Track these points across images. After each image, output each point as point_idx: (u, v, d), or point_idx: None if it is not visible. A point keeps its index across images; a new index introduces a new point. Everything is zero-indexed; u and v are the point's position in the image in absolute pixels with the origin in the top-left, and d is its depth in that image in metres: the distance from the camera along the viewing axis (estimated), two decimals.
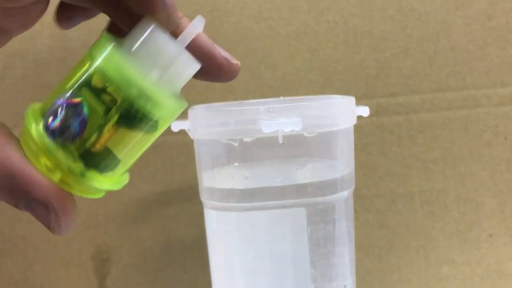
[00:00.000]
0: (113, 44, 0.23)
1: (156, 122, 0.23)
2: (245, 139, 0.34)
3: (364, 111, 0.37)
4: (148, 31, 0.24)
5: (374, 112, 0.46)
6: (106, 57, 0.23)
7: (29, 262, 0.47)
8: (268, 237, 0.36)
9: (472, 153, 0.47)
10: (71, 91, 0.23)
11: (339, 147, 0.36)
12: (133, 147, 0.24)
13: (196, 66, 0.24)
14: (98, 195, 0.24)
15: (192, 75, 0.25)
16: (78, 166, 0.23)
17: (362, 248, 0.47)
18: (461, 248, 0.48)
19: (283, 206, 0.35)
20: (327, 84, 0.47)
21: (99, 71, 0.23)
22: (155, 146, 0.46)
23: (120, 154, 0.24)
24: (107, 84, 0.22)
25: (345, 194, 0.36)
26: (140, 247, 0.47)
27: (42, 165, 0.23)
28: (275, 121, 0.33)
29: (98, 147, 0.23)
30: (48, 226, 0.23)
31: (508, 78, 0.47)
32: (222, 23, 0.46)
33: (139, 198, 0.47)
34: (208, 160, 0.36)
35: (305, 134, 0.34)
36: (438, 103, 0.47)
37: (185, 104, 0.25)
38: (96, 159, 0.23)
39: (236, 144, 0.34)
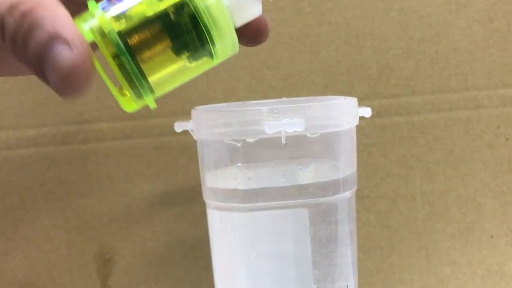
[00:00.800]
0: None
1: (200, 51, 0.23)
2: (248, 140, 0.34)
3: (366, 112, 0.37)
4: None
5: (376, 113, 0.47)
6: None
7: (32, 262, 0.47)
8: (271, 238, 0.36)
9: (473, 154, 0.47)
10: None
11: (342, 148, 0.36)
12: (170, 76, 0.24)
13: (259, 10, 0.25)
14: (114, 89, 0.23)
15: (251, 17, 0.25)
16: (118, 41, 0.22)
17: (364, 249, 0.47)
18: (463, 249, 0.48)
19: (286, 207, 0.35)
20: (329, 85, 0.47)
21: None
22: (157, 147, 0.47)
23: (155, 78, 0.23)
24: None
25: (348, 194, 0.36)
26: (142, 247, 0.47)
27: (81, 28, 0.22)
28: (278, 122, 0.33)
29: (143, 48, 0.22)
30: (61, 71, 0.21)
31: (509, 79, 0.47)
32: None
33: (142, 198, 0.47)
34: (211, 161, 0.36)
35: (308, 135, 0.34)
36: (439, 104, 0.47)
37: (237, 47, 0.24)
38: (135, 60, 0.22)
39: (239, 145, 0.34)
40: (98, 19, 0.22)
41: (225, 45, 0.23)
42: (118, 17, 0.22)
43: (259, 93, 0.47)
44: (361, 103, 0.38)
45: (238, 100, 0.46)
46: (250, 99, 0.46)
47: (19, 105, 0.46)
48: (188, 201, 0.47)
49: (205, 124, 0.35)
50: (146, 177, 0.47)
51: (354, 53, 0.47)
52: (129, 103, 0.24)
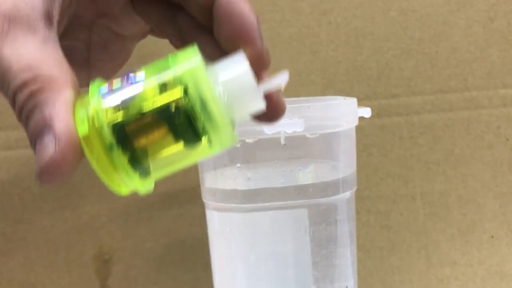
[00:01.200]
0: (200, 57, 0.23)
1: (199, 139, 0.23)
2: (247, 140, 0.34)
3: (366, 112, 0.37)
4: (240, 64, 0.24)
5: (376, 114, 0.46)
6: (190, 65, 0.23)
7: (30, 263, 0.47)
8: (270, 238, 0.36)
9: (473, 155, 0.47)
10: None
11: (341, 148, 0.36)
12: (167, 164, 0.23)
13: (261, 107, 0.24)
14: (107, 180, 0.23)
15: (253, 112, 0.25)
16: (109, 135, 0.22)
17: (364, 249, 0.47)
18: (463, 249, 0.48)
19: (285, 207, 0.35)
20: (328, 86, 0.47)
21: (178, 74, 0.22)
22: None
23: (153, 164, 0.23)
24: (174, 82, 0.22)
25: (347, 195, 0.36)
26: (142, 248, 0.47)
27: (78, 118, 0.23)
28: (278, 122, 0.33)
29: (138, 136, 0.22)
30: (41, 162, 0.23)
31: (509, 80, 0.47)
32: None
33: (141, 198, 0.47)
34: (210, 161, 0.36)
35: (307, 135, 0.34)
36: (439, 105, 0.47)
37: (236, 140, 0.24)
38: (130, 148, 0.22)
39: (238, 145, 0.34)
40: (93, 109, 0.22)
41: (223, 139, 0.23)
42: (115, 108, 0.22)
43: None
44: (361, 103, 0.38)
45: None
46: None
47: None
48: (187, 202, 0.47)
49: None
50: None
51: (354, 53, 0.47)
52: (122, 189, 0.24)
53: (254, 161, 0.35)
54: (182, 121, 0.22)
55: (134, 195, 0.48)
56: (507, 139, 0.47)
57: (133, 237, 0.47)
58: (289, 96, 0.46)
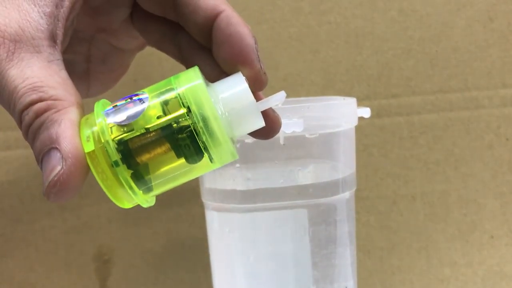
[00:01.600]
0: (202, 78, 0.24)
1: (201, 156, 0.24)
2: (246, 140, 0.34)
3: (366, 112, 0.37)
4: (240, 85, 0.25)
5: (376, 114, 0.46)
6: (192, 85, 0.24)
7: (30, 263, 0.47)
8: (270, 238, 0.36)
9: (473, 155, 0.47)
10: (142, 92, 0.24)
11: (341, 148, 0.36)
12: (169, 179, 0.24)
13: (260, 125, 0.25)
14: (111, 195, 0.24)
15: (253, 129, 0.26)
16: (114, 151, 0.23)
17: (364, 249, 0.47)
18: (463, 250, 0.48)
19: (285, 207, 0.35)
20: (328, 85, 0.47)
21: (180, 94, 0.23)
22: None
23: (155, 180, 0.24)
24: (177, 101, 0.23)
25: (347, 195, 0.36)
26: (141, 248, 0.47)
27: (83, 135, 0.24)
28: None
29: (141, 153, 0.23)
30: (48, 181, 0.23)
31: (509, 79, 0.47)
32: None
33: None
34: None
35: (307, 135, 0.34)
36: (439, 104, 0.47)
37: (236, 156, 0.25)
38: (133, 164, 0.23)
39: (237, 145, 0.34)
40: (98, 126, 0.23)
41: (224, 155, 0.24)
42: (120, 125, 0.23)
43: None
44: (361, 103, 0.38)
45: None
46: None
47: None
48: (187, 202, 0.47)
49: None
50: None
51: (354, 53, 0.47)
52: (125, 203, 0.25)
53: (254, 161, 0.35)
54: (185, 138, 0.23)
55: None
56: (507, 139, 0.47)
57: (132, 237, 0.47)
58: (289, 96, 0.46)
